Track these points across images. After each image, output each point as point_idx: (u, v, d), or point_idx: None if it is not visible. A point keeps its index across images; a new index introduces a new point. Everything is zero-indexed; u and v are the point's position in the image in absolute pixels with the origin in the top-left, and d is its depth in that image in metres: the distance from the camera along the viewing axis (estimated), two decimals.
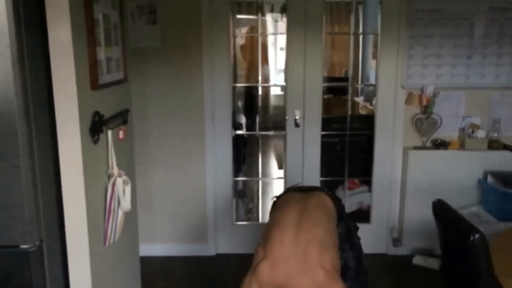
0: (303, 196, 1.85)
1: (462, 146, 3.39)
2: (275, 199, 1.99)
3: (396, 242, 3.58)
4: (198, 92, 3.42)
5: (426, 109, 3.37)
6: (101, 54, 1.89)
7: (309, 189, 1.94)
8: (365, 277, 1.96)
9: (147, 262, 2.72)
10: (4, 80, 1.53)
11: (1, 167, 1.60)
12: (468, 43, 3.32)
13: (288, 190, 2.00)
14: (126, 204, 1.99)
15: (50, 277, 1.75)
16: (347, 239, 1.90)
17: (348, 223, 1.97)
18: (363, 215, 3.76)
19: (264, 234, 1.69)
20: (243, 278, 1.58)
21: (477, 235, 1.63)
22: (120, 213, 1.99)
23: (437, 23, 3.29)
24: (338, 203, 1.91)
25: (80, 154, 1.69)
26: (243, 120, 5.39)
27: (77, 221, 1.75)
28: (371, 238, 3.63)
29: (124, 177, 1.99)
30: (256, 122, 5.16)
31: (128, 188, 2.00)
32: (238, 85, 4.22)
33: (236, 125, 4.20)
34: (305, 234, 1.58)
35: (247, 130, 4.89)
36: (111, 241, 1.96)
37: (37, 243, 1.67)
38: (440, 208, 1.95)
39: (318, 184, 3.59)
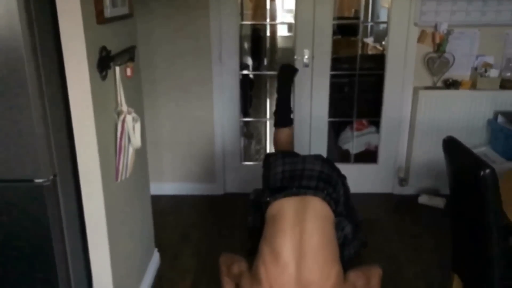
0: (298, 212, 1.74)
1: (473, 85, 3.34)
2: (268, 199, 1.85)
3: (403, 181, 3.61)
4: (205, 31, 3.33)
5: (439, 48, 3.28)
6: None
7: (303, 189, 1.81)
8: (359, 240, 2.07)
9: (156, 200, 2.78)
10: (9, 14, 1.49)
11: (12, 103, 1.59)
12: None
13: (276, 190, 1.84)
14: (136, 141, 2.00)
15: (65, 211, 1.79)
16: (346, 216, 1.96)
17: (347, 196, 1.98)
18: (370, 155, 3.78)
19: (263, 258, 1.68)
20: None
21: (487, 170, 1.62)
22: (131, 150, 2.00)
23: None
24: (335, 202, 1.86)
25: (89, 89, 1.68)
26: (249, 62, 5.30)
27: (89, 156, 1.77)
28: (378, 178, 3.68)
29: (134, 115, 1.98)
30: (263, 64, 5.07)
31: (137, 126, 2.00)
32: (246, 22, 4.10)
33: (243, 67, 4.14)
34: (306, 274, 1.63)
35: (254, 72, 4.82)
36: (123, 177, 1.98)
37: (51, 177, 1.69)
38: (451, 145, 1.94)
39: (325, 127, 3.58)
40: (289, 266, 1.64)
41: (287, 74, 2.74)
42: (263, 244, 1.73)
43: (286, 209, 1.75)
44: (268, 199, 1.81)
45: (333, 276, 1.67)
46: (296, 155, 2.12)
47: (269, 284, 1.66)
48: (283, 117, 2.59)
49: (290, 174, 1.85)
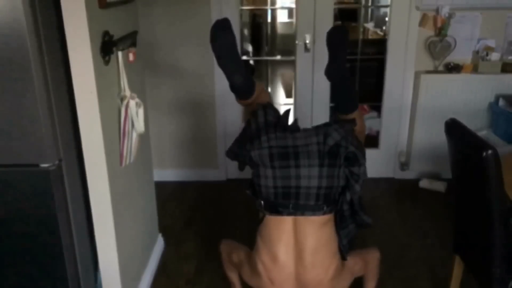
0: (295, 225, 1.66)
1: (475, 69, 3.34)
2: (261, 212, 1.74)
3: (404, 166, 3.63)
4: (206, 16, 3.32)
5: (441, 31, 3.27)
6: None
7: (300, 210, 1.66)
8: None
9: (159, 187, 2.79)
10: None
11: (16, 88, 1.60)
12: None
13: (270, 203, 1.69)
14: (140, 126, 2.00)
15: (71, 195, 1.81)
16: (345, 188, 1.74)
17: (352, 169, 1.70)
18: (372, 140, 3.79)
19: (261, 256, 1.69)
20: None
21: (490, 151, 1.63)
22: (135, 135, 2.01)
23: None
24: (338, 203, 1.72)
25: (92, 74, 1.68)
26: (250, 48, 5.29)
27: (94, 141, 1.78)
28: (379, 163, 3.69)
29: (137, 100, 1.99)
30: (264, 51, 5.05)
31: (141, 111, 2.00)
32: (246, 8, 4.07)
33: (243, 53, 4.13)
34: (306, 273, 1.66)
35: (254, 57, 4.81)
36: (127, 162, 1.99)
37: (56, 162, 1.71)
38: (453, 127, 1.95)
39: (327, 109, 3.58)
40: (287, 267, 1.66)
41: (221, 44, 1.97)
42: (260, 240, 1.72)
43: (282, 221, 1.68)
44: (263, 210, 1.72)
45: (332, 270, 1.69)
46: (286, 148, 1.67)
47: (268, 278, 1.69)
48: (242, 90, 2.03)
49: (283, 190, 1.65)
